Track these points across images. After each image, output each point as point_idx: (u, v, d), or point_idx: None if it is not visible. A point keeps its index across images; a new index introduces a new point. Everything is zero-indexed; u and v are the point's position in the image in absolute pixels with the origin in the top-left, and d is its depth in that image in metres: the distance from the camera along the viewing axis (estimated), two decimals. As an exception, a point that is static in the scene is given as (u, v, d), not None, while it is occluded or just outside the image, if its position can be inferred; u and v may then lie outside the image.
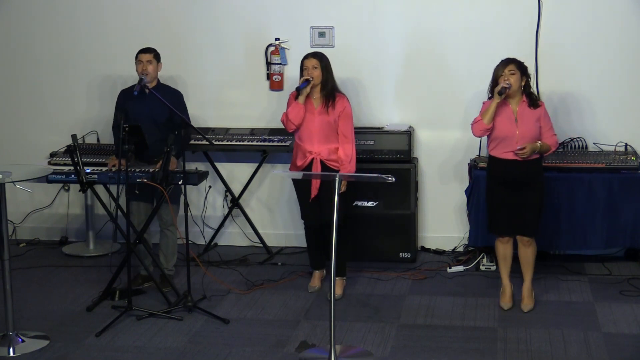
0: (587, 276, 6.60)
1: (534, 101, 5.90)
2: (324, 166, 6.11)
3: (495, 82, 5.85)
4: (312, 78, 6.06)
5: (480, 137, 6.08)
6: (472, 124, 5.95)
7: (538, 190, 5.95)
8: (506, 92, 5.77)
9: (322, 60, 6.13)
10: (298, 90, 6.08)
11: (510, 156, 5.85)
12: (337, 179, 5.22)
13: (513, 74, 5.81)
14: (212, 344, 5.55)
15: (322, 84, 6.12)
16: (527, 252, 6.00)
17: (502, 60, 5.88)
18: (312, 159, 6.12)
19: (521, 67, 5.86)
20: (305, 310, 6.06)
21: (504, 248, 6.05)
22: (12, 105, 7.69)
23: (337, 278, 6.22)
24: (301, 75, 6.13)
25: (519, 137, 5.81)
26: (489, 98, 5.93)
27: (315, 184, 6.12)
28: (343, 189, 6.11)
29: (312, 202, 6.18)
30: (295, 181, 6.33)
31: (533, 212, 5.93)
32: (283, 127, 7.14)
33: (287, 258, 7.20)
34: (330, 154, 6.12)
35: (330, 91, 6.13)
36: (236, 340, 5.61)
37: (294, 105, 6.10)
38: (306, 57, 6.17)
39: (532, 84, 6.11)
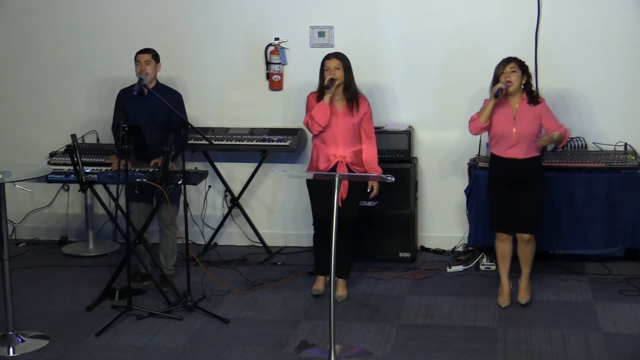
0: (587, 276, 6.60)
1: (534, 98, 5.92)
2: (348, 170, 6.02)
3: (496, 80, 5.87)
4: (337, 78, 5.96)
5: (477, 134, 6.09)
6: (469, 122, 5.98)
7: (538, 188, 5.96)
8: (502, 93, 5.78)
9: (344, 60, 6.03)
10: (327, 89, 5.94)
11: (509, 154, 5.87)
12: (336, 178, 5.22)
13: (514, 71, 5.83)
14: (212, 344, 5.55)
15: (345, 85, 6.02)
16: (527, 250, 6.02)
17: (503, 59, 5.89)
18: (337, 162, 6.04)
19: (522, 66, 5.88)
20: (305, 310, 6.06)
21: (502, 246, 6.06)
22: (12, 105, 7.69)
23: (340, 280, 6.25)
24: (321, 75, 6.03)
25: (516, 135, 5.82)
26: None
27: (345, 186, 6.00)
28: (376, 192, 6.13)
29: (327, 200, 6.02)
30: (311, 183, 6.18)
31: (533, 209, 5.94)
32: (283, 126, 7.21)
33: (287, 258, 7.20)
34: (354, 158, 6.06)
35: (353, 93, 6.06)
36: (236, 340, 5.61)
37: (319, 106, 5.98)
38: (328, 57, 6.05)
39: (532, 82, 6.10)
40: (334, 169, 6.02)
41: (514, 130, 5.82)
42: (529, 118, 5.86)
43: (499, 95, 5.79)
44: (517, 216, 5.94)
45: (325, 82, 5.95)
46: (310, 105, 6.07)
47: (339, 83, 5.99)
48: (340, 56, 6.06)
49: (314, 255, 6.38)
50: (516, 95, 5.89)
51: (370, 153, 6.11)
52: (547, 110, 5.95)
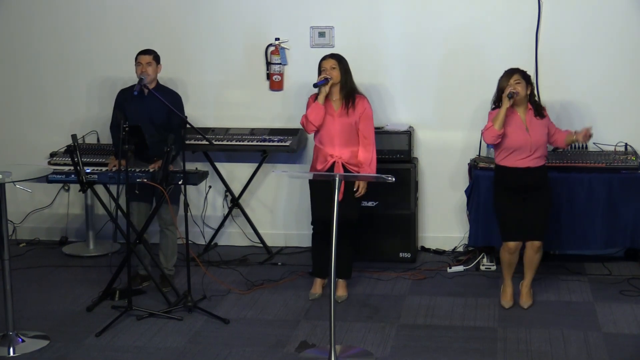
0: (587, 276, 6.60)
1: (539, 111, 5.95)
2: (345, 170, 6.02)
3: (500, 93, 5.87)
4: (331, 77, 5.98)
5: (493, 143, 5.97)
6: (482, 132, 5.95)
7: (546, 195, 5.99)
8: (514, 96, 5.79)
9: (341, 61, 6.05)
10: (315, 87, 5.97)
11: (523, 164, 5.88)
12: (337, 178, 5.22)
13: (519, 83, 5.84)
14: (212, 344, 5.55)
15: (341, 85, 6.03)
16: (535, 258, 6.04)
17: (506, 71, 5.91)
18: (334, 162, 6.05)
19: (525, 76, 5.90)
20: (305, 310, 6.06)
21: (510, 257, 6.04)
22: (12, 105, 7.69)
23: (340, 280, 6.25)
24: (319, 76, 6.05)
25: (533, 144, 5.85)
26: (493, 109, 5.95)
27: (342, 186, 5.99)
28: (362, 191, 6.08)
29: (328, 200, 6.00)
30: (312, 183, 6.19)
31: (543, 216, 5.97)
32: (283, 127, 7.22)
33: (287, 258, 7.20)
34: (351, 158, 6.05)
35: (349, 92, 6.06)
36: (236, 340, 5.61)
37: (313, 106, 6.00)
38: (324, 58, 6.08)
39: (535, 93, 6.11)
40: (331, 169, 6.03)
41: (531, 140, 5.85)
42: (539, 128, 5.91)
43: (512, 97, 5.79)
44: (528, 224, 5.94)
45: (317, 80, 5.97)
46: (309, 106, 6.09)
47: (334, 82, 5.99)
48: (336, 56, 6.08)
49: (312, 256, 6.39)
50: (522, 106, 5.91)
51: (364, 154, 6.06)
52: (551, 122, 6.05)
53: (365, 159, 6.07)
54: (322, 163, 6.08)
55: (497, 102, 5.94)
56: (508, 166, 5.93)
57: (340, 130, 6.04)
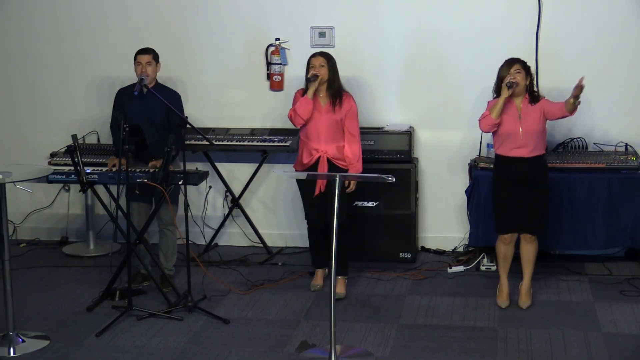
0: (587, 276, 6.60)
1: (535, 98, 5.95)
2: (331, 164, 6.13)
3: (500, 82, 5.89)
4: (320, 74, 6.08)
5: (489, 132, 6.04)
6: (479, 120, 5.97)
7: (544, 188, 5.99)
8: (514, 86, 5.80)
9: (330, 59, 6.16)
10: (309, 82, 6.08)
11: (516, 153, 5.88)
12: (337, 179, 5.22)
13: (519, 72, 5.87)
14: (212, 344, 5.55)
15: (329, 82, 6.15)
16: (530, 249, 6.02)
17: (507, 60, 5.92)
18: (319, 157, 6.13)
19: (525, 67, 5.92)
20: (306, 310, 6.07)
21: (506, 249, 6.05)
22: (12, 105, 7.69)
23: (339, 277, 6.27)
24: (307, 72, 6.14)
25: (523, 133, 5.85)
26: (494, 98, 5.96)
27: (321, 182, 6.14)
28: (353, 187, 6.16)
29: (316, 202, 6.18)
30: (299, 181, 6.33)
31: (539, 209, 5.96)
32: (284, 127, 7.21)
33: (287, 258, 7.20)
34: (337, 153, 6.15)
35: (337, 90, 6.17)
36: (236, 340, 5.61)
37: (302, 100, 6.10)
38: (313, 55, 6.20)
39: (534, 83, 6.13)
40: (316, 163, 6.13)
41: (521, 129, 5.84)
42: (534, 117, 5.89)
43: (512, 87, 5.81)
44: (524, 216, 5.94)
45: (309, 75, 6.08)
46: (296, 100, 6.18)
47: (322, 80, 6.10)
48: (325, 55, 6.19)
49: (309, 249, 6.49)
50: (520, 96, 5.93)
51: (351, 150, 6.17)
52: (547, 101, 5.99)
53: (353, 155, 6.17)
54: (308, 157, 6.17)
55: (497, 91, 5.95)
56: (503, 155, 5.95)
57: (327, 125, 6.12)
